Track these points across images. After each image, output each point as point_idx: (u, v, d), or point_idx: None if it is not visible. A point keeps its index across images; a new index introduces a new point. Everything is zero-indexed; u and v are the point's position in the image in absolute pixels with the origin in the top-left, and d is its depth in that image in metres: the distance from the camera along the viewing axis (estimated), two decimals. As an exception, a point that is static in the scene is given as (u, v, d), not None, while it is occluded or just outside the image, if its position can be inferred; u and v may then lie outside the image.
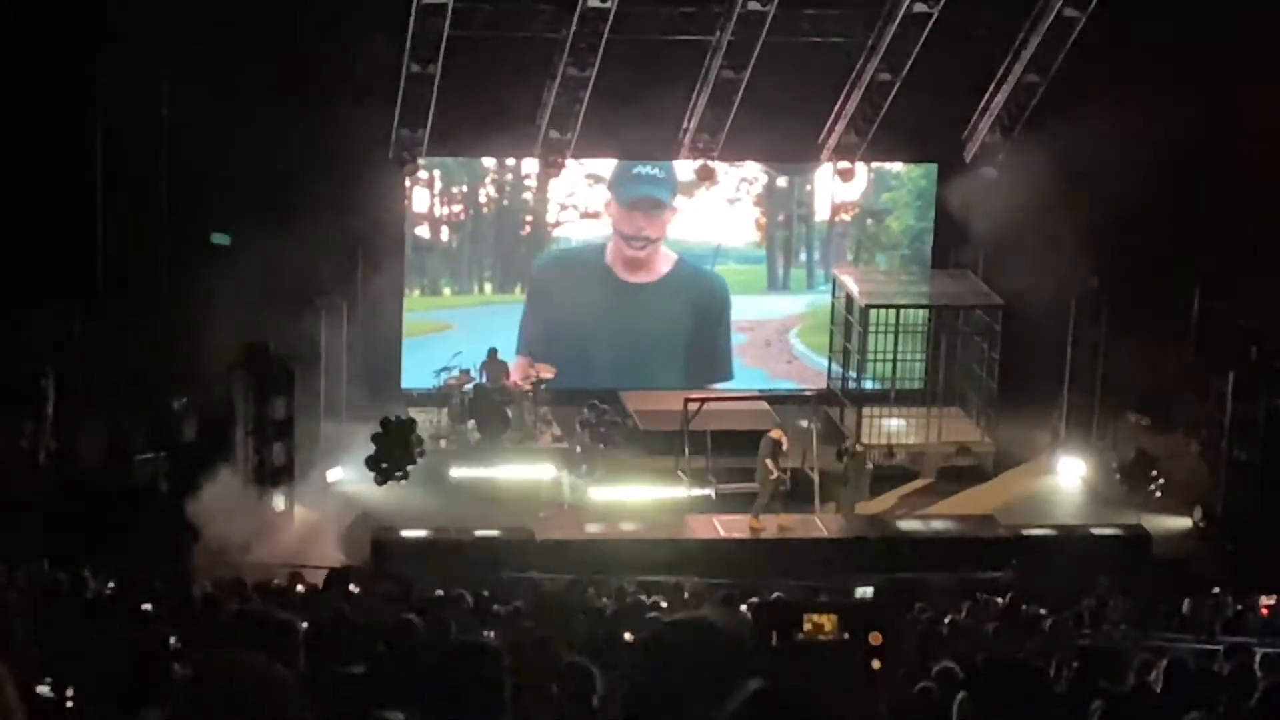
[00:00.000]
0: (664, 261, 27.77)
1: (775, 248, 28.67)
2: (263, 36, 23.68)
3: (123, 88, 23.92)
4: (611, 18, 25.08)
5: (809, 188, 28.59)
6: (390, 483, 23.82)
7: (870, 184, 28.47)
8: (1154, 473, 25.63)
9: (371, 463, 23.56)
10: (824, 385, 28.10)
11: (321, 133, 24.42)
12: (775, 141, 27.60)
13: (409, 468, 23.51)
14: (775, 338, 28.50)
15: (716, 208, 28.17)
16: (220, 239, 25.17)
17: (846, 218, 28.77)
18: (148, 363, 24.61)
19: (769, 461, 24.09)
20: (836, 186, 28.45)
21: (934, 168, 28.48)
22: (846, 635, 3.62)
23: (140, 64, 23.97)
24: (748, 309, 28.55)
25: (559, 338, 27.21)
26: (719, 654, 3.31)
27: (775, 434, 24.50)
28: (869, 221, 28.85)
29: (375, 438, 23.60)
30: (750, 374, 28.52)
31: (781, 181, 28.55)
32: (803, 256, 28.83)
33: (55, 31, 23.16)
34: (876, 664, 3.25)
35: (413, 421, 23.95)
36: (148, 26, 23.59)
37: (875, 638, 3.32)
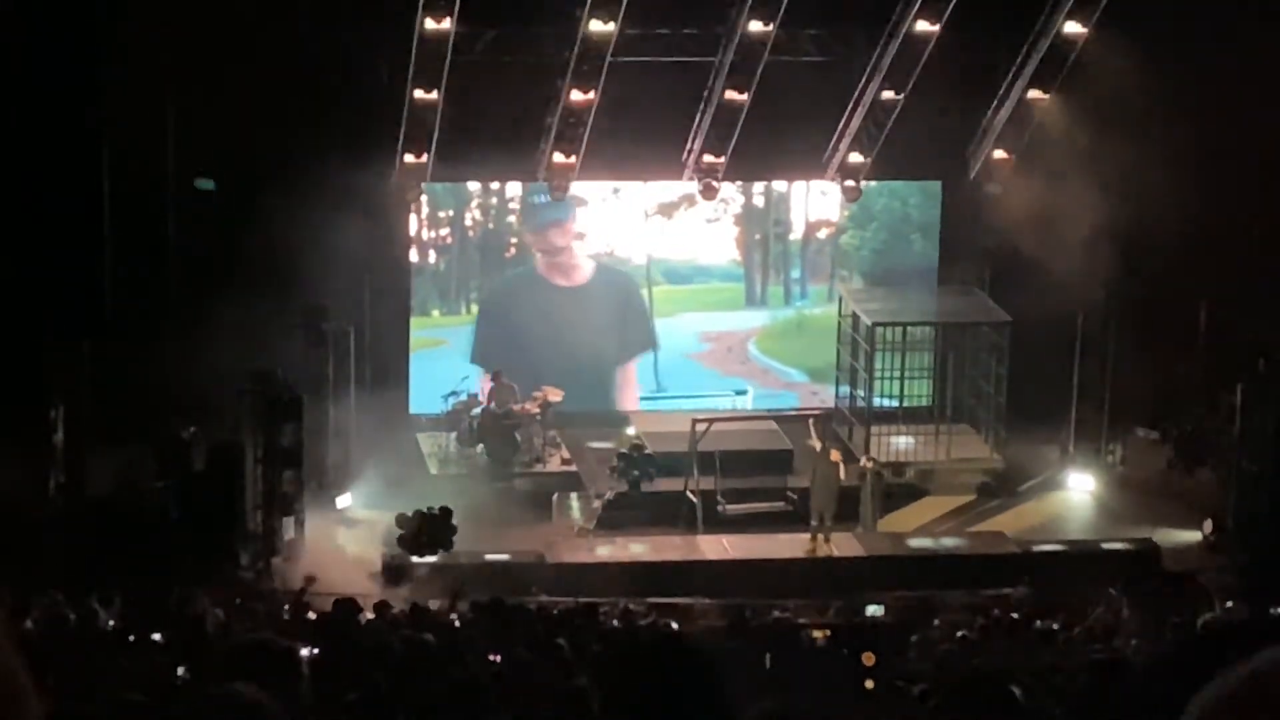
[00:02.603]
0: (587, 266, 28.42)
1: (753, 265, 29.01)
2: (268, 65, 23.74)
3: (129, 121, 23.96)
4: (613, 41, 25.13)
5: (787, 206, 28.84)
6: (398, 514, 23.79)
7: (843, 201, 28.68)
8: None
9: (405, 541, 23.29)
10: (781, 384, 28.98)
11: (326, 159, 24.48)
12: (779, 161, 27.67)
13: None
14: (737, 345, 29.20)
15: (696, 227, 28.53)
16: (205, 184, 25.22)
17: (822, 235, 28.99)
18: (156, 392, 24.65)
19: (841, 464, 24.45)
20: (811, 204, 28.77)
21: (901, 184, 28.58)
22: (845, 653, 3.61)
23: (146, 96, 24.05)
24: (719, 323, 29.05)
25: (514, 344, 27.88)
26: (685, 667, 3.32)
27: (835, 456, 24.59)
28: (844, 238, 29.12)
29: (400, 522, 23.44)
30: (707, 374, 29.12)
31: (759, 200, 28.77)
32: (782, 273, 29.20)
33: (60, 62, 23.21)
34: (870, 684, 3.23)
35: (447, 513, 23.71)
36: (154, 57, 23.67)
37: (868, 658, 3.30)
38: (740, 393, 28.91)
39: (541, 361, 27.40)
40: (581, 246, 28.41)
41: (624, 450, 25.97)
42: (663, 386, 28.82)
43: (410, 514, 23.34)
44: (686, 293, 28.93)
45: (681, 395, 28.63)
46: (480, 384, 27.23)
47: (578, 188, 27.44)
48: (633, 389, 28.72)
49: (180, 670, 12.69)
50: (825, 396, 28.75)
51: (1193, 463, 25.61)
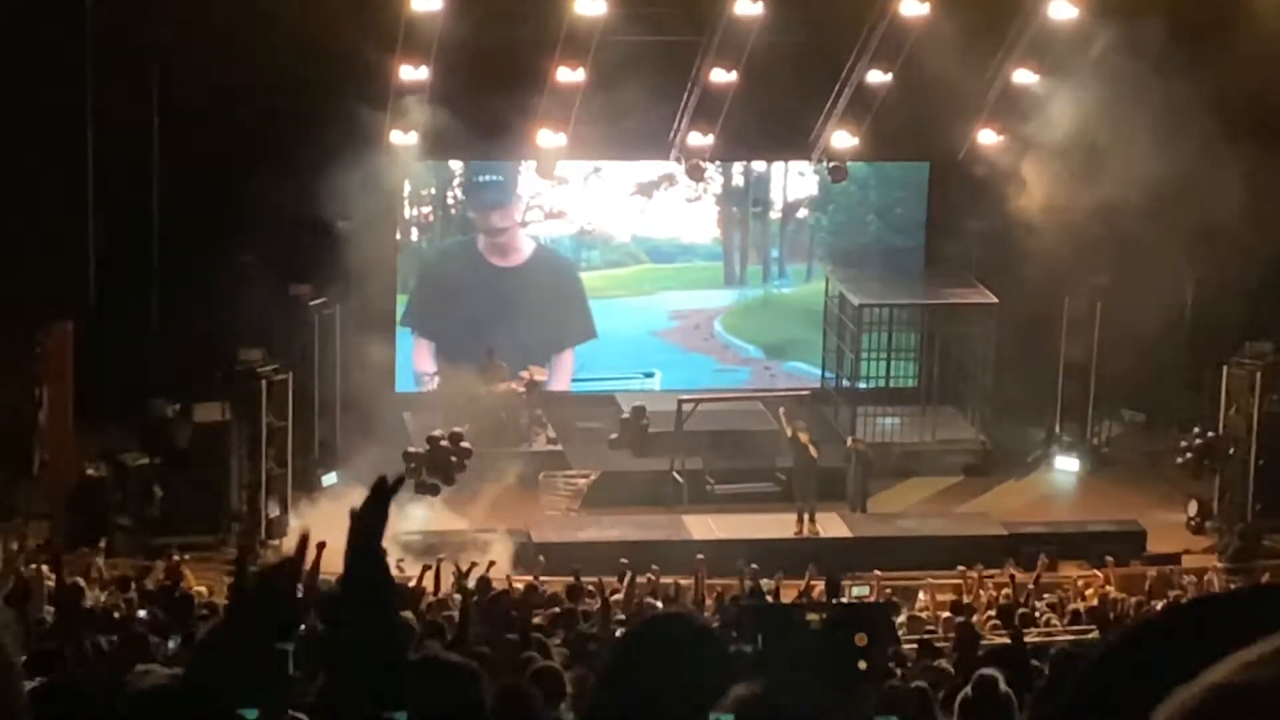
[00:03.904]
0: (526, 248, 28.37)
1: (732, 245, 29.11)
2: (254, 44, 23.64)
3: (113, 99, 23.86)
4: (602, 20, 25.07)
5: (766, 186, 28.94)
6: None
7: (820, 181, 28.71)
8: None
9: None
10: (738, 360, 29.04)
11: (312, 138, 24.42)
12: (767, 141, 27.62)
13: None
14: (704, 323, 29.25)
15: (677, 206, 28.58)
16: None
17: (801, 215, 29.03)
18: (140, 370, 24.61)
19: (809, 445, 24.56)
20: (791, 184, 28.78)
21: (860, 166, 28.43)
22: (836, 636, 3.61)
23: (131, 75, 23.96)
24: (693, 301, 29.06)
25: (448, 314, 27.95)
26: (698, 650, 3.31)
27: (803, 438, 24.67)
28: (809, 220, 29.18)
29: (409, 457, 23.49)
30: (670, 349, 29.12)
31: (739, 180, 28.81)
32: (762, 253, 29.26)
33: (44, 43, 23.13)
34: (863, 664, 3.22)
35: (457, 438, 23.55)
36: (138, 36, 23.61)
37: (860, 639, 3.29)
38: (648, 375, 28.88)
39: (475, 336, 27.19)
40: (525, 227, 28.32)
41: (625, 415, 26.08)
42: (577, 367, 28.73)
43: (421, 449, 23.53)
44: (669, 271, 28.94)
45: (591, 378, 28.51)
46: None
47: (561, 166, 27.42)
48: (566, 373, 28.59)
49: (171, 644, 12.70)
50: (776, 372, 28.90)
51: (1207, 469, 25.55)
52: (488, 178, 28.10)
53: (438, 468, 23.95)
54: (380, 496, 3.32)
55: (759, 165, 28.81)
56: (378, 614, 3.21)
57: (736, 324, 29.32)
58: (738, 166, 28.74)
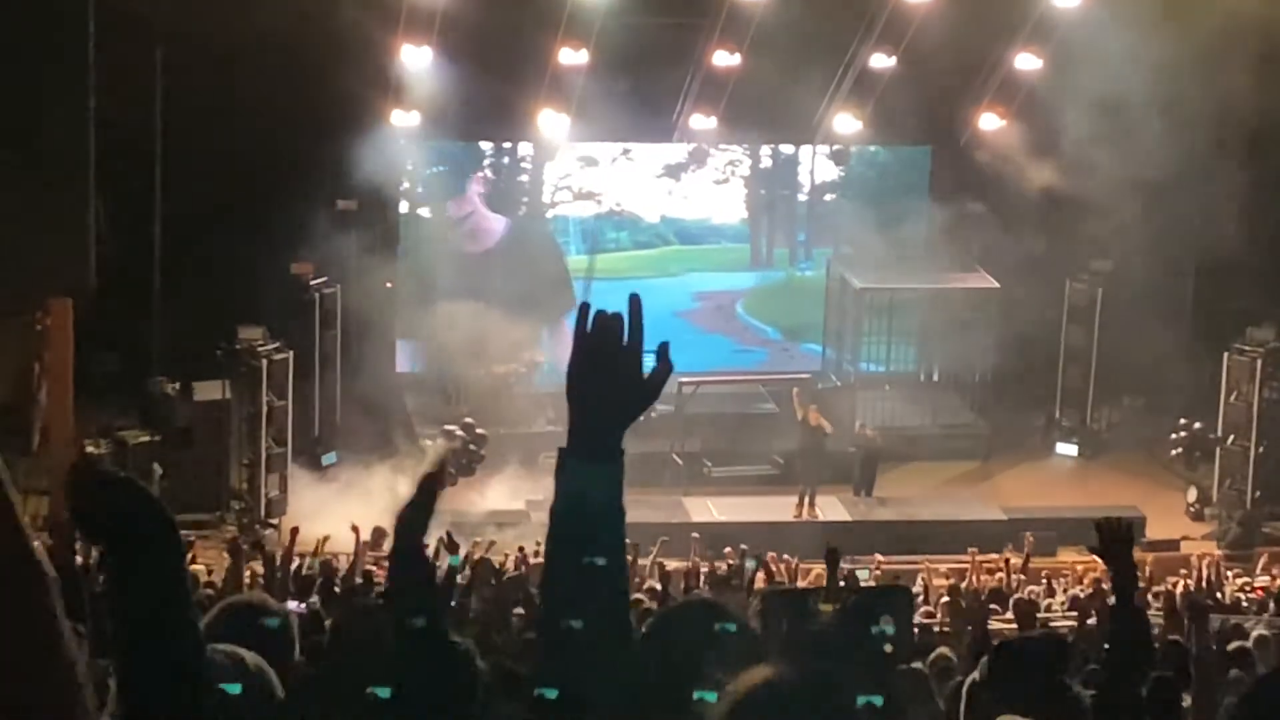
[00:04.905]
0: (496, 228, 28.26)
1: (759, 227, 29.02)
2: (256, 22, 23.61)
3: (116, 76, 23.82)
4: (605, 1, 25.05)
5: (794, 168, 28.91)
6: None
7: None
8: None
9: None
10: (756, 341, 29.10)
11: (318, 119, 24.40)
12: (770, 124, 27.59)
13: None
14: (726, 304, 29.27)
15: (705, 188, 28.59)
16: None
17: (828, 199, 29.00)
18: (141, 347, 24.59)
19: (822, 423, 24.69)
20: (816, 167, 28.71)
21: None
22: (860, 620, 3.61)
23: (135, 48, 23.94)
24: (718, 283, 29.08)
25: (432, 302, 27.45)
26: (726, 636, 3.32)
27: (814, 418, 24.67)
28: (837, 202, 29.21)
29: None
30: (690, 330, 28.85)
31: (766, 162, 28.75)
32: (789, 235, 29.28)
33: (46, 20, 23.09)
34: (889, 648, 3.23)
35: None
36: (143, 15, 23.59)
37: (887, 621, 3.30)
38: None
39: (462, 323, 27.06)
40: (494, 209, 28.21)
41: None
42: None
43: None
44: (697, 253, 28.93)
45: None
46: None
47: (586, 148, 27.44)
48: (566, 347, 28.42)
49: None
50: (794, 353, 28.93)
51: (1198, 460, 25.60)
52: (435, 169, 27.81)
53: (456, 459, 23.91)
54: (427, 493, 3.29)
55: (787, 148, 28.79)
56: (419, 605, 3.18)
57: (758, 306, 29.34)
58: (766, 148, 28.73)
